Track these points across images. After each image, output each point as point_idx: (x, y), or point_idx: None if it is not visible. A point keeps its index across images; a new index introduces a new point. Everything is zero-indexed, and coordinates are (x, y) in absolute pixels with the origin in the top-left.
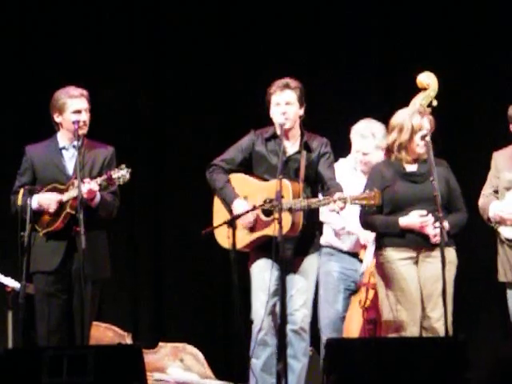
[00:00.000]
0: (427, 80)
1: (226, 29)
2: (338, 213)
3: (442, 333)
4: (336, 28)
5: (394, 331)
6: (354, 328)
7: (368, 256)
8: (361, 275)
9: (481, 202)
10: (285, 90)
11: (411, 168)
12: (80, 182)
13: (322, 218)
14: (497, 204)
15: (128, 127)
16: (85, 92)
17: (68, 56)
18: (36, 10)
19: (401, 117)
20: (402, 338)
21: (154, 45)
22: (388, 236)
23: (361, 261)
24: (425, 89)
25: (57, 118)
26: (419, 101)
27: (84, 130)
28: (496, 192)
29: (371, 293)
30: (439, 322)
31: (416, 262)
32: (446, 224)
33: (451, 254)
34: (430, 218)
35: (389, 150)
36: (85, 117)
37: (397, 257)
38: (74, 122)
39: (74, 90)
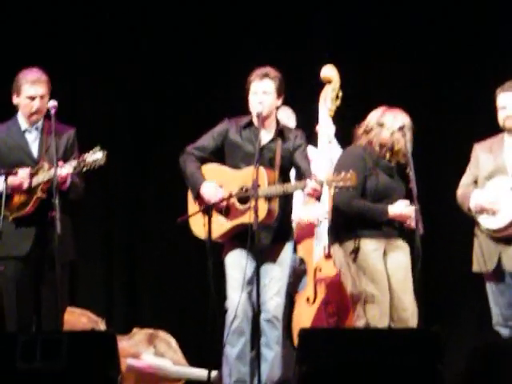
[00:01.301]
0: (331, 73)
1: (227, 28)
2: (316, 197)
3: (410, 323)
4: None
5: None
6: (305, 325)
7: (317, 251)
8: (297, 263)
9: (460, 192)
10: (264, 79)
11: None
12: (56, 166)
13: (296, 215)
14: (478, 194)
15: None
16: (43, 77)
17: (68, 56)
18: (36, 10)
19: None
20: (375, 328)
21: (154, 45)
22: (364, 226)
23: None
24: (329, 82)
25: (14, 100)
26: (329, 95)
27: (37, 117)
28: (475, 182)
29: (321, 287)
30: (407, 312)
31: (384, 253)
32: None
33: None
34: (412, 207)
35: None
36: (37, 104)
37: (372, 248)
38: (51, 108)
39: (31, 74)
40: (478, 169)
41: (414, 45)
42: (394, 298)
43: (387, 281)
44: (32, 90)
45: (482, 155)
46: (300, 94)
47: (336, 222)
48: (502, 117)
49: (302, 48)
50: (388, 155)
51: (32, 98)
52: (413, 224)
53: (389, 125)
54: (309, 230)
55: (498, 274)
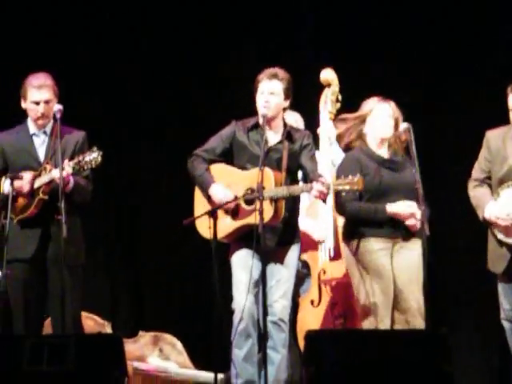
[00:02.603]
0: (331, 75)
1: (227, 29)
2: (323, 200)
3: (413, 325)
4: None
5: (371, 317)
6: (310, 328)
7: (321, 254)
8: (302, 267)
9: (471, 192)
10: (272, 80)
11: (383, 154)
12: (61, 170)
13: (300, 226)
14: (492, 206)
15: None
16: (48, 81)
17: (68, 56)
18: (36, 10)
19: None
20: (381, 330)
21: (155, 44)
22: (367, 226)
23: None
24: (329, 84)
25: (22, 104)
26: (330, 98)
27: (43, 121)
28: (488, 178)
29: (326, 290)
30: (409, 313)
31: (390, 254)
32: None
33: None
34: (416, 208)
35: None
36: (42, 109)
37: (377, 247)
38: (56, 112)
39: (35, 80)
40: (489, 162)
41: (415, 45)
42: (398, 299)
43: (393, 281)
44: (37, 95)
45: (494, 145)
46: (300, 97)
47: (346, 221)
48: None
49: (303, 50)
50: (382, 146)
51: (37, 103)
52: (414, 224)
53: (363, 114)
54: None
55: (509, 275)
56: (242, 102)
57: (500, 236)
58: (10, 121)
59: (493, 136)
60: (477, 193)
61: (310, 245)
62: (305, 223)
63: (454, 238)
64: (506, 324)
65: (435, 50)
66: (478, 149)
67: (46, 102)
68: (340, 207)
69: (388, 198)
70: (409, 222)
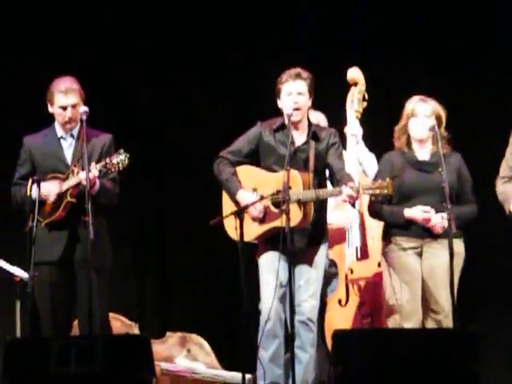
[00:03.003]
0: (357, 74)
1: (227, 26)
2: (351, 204)
3: (445, 325)
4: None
5: (396, 316)
6: (338, 327)
7: (348, 253)
8: (330, 266)
9: (500, 188)
10: (297, 80)
11: (423, 157)
12: (88, 172)
13: (329, 219)
14: None
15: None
16: (74, 85)
17: (67, 56)
18: (36, 10)
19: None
20: (409, 329)
21: (155, 44)
22: (396, 226)
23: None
24: (356, 83)
25: (49, 109)
26: (356, 96)
27: (71, 125)
28: None
29: (354, 289)
30: (442, 314)
31: (420, 253)
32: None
33: (457, 245)
34: (432, 214)
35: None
36: (69, 113)
37: (401, 246)
38: (82, 114)
39: (62, 84)
40: None
41: (415, 45)
42: (428, 300)
43: (421, 281)
44: (64, 99)
45: None
46: (327, 96)
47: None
48: None
49: (303, 50)
50: (423, 146)
51: (64, 108)
52: (434, 227)
53: (404, 114)
54: (339, 232)
55: None
56: (242, 103)
57: None
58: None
59: None
60: (505, 188)
61: (336, 243)
62: (331, 215)
63: (488, 236)
64: None
65: (435, 49)
66: (477, 149)
67: (73, 107)
68: (368, 209)
69: (415, 199)
70: (429, 226)
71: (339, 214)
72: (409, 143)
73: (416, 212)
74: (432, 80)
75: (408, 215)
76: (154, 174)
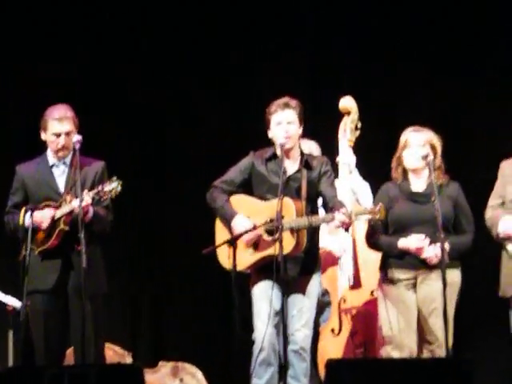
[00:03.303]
0: (350, 103)
1: (227, 26)
2: (345, 229)
3: (438, 355)
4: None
5: (388, 347)
6: (331, 357)
7: (341, 282)
8: (323, 295)
9: (488, 215)
10: (285, 110)
11: (417, 188)
12: (81, 200)
13: (321, 243)
14: (505, 221)
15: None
16: (69, 113)
17: (67, 56)
18: (35, 11)
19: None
20: (403, 359)
21: (155, 44)
22: (391, 257)
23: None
24: (349, 112)
25: (42, 136)
26: (349, 126)
27: (63, 153)
28: (503, 204)
29: (347, 319)
30: (435, 344)
31: (414, 284)
32: (446, 245)
33: (453, 275)
34: (426, 242)
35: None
36: (63, 141)
37: (397, 277)
38: (75, 143)
39: (56, 112)
40: (505, 189)
41: (415, 45)
42: (424, 330)
43: (416, 312)
44: (57, 126)
45: (509, 173)
46: (319, 126)
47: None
48: None
49: (321, 77)
50: (419, 176)
51: (58, 135)
52: (424, 255)
53: (399, 145)
54: (332, 261)
55: None
56: (242, 103)
57: None
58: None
59: (506, 164)
60: (492, 214)
61: (329, 262)
62: (325, 240)
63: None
64: None
65: (435, 49)
66: (478, 151)
67: (67, 134)
68: (366, 239)
69: (410, 231)
70: (423, 256)
71: (332, 240)
72: (405, 174)
73: (409, 241)
74: (432, 80)
75: (401, 246)
76: (153, 198)
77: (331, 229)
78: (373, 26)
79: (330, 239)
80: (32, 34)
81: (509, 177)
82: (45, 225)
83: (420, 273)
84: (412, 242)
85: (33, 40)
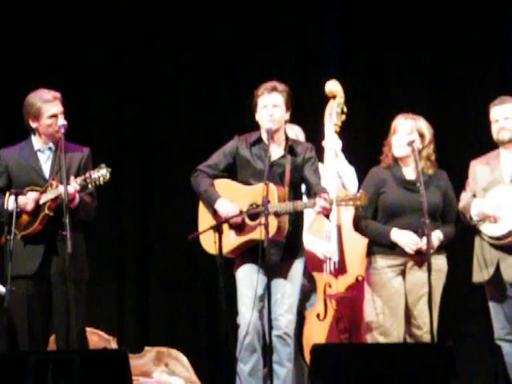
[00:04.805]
0: (335, 87)
1: (229, 36)
2: (326, 215)
3: (427, 340)
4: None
5: (374, 333)
6: (316, 342)
7: (326, 268)
8: (308, 281)
9: (461, 205)
10: (272, 93)
11: (409, 175)
12: (66, 184)
13: (305, 244)
14: (479, 201)
15: (114, 128)
16: (58, 94)
17: (54, 56)
18: (20, 11)
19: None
20: (388, 344)
21: (141, 46)
22: (378, 244)
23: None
24: (334, 96)
25: (32, 124)
26: (335, 110)
27: (59, 134)
28: (474, 196)
29: (331, 304)
30: (423, 329)
31: (403, 271)
32: (440, 234)
33: (440, 261)
34: (421, 245)
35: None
36: (63, 121)
37: (384, 264)
38: (60, 127)
39: (47, 94)
40: (476, 183)
41: (422, 56)
42: (410, 315)
43: (404, 298)
44: (54, 108)
45: (479, 168)
46: (305, 110)
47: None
48: (495, 130)
49: (307, 63)
50: (407, 164)
51: (55, 116)
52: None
53: (390, 130)
54: (316, 259)
55: (498, 285)
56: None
57: (488, 232)
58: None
59: (475, 162)
60: (464, 203)
61: (314, 262)
62: (307, 240)
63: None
64: (503, 345)
65: (424, 34)
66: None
67: (62, 114)
68: (354, 223)
69: (401, 218)
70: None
71: (313, 240)
72: (396, 160)
73: (404, 240)
74: (439, 81)
75: (394, 239)
76: (139, 185)
77: (313, 228)
78: (359, 9)
79: (312, 239)
80: (30, 34)
81: (478, 171)
82: (29, 206)
83: (409, 259)
84: (404, 241)
85: (30, 40)
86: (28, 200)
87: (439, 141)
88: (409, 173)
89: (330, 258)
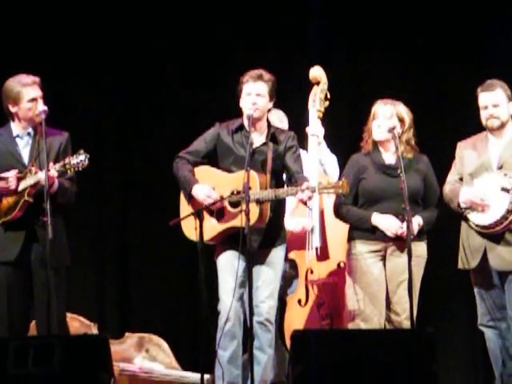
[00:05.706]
0: (320, 73)
1: (216, 27)
2: (305, 204)
3: (406, 327)
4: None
5: (356, 319)
6: (297, 327)
7: (308, 253)
8: (287, 266)
9: (447, 189)
10: (257, 81)
11: (389, 160)
12: (46, 171)
13: (286, 225)
14: (467, 190)
15: (94, 115)
16: (37, 79)
17: (39, 49)
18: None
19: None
20: (368, 330)
21: (124, 31)
22: (359, 229)
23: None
24: (318, 82)
25: (12, 108)
26: (318, 96)
27: (39, 118)
28: (461, 179)
29: (313, 290)
30: (403, 315)
31: (383, 256)
32: (420, 220)
33: (421, 248)
34: (404, 229)
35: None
36: (43, 106)
37: (364, 250)
38: (41, 112)
39: (26, 78)
40: (462, 166)
41: (403, 43)
42: (390, 301)
43: (385, 284)
44: (33, 92)
45: (466, 152)
46: (289, 96)
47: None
48: (484, 116)
49: (291, 49)
50: (386, 149)
51: (34, 100)
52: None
53: (370, 116)
54: (299, 233)
55: (484, 272)
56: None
57: (475, 221)
58: None
59: (462, 144)
60: (451, 187)
61: (296, 244)
62: (289, 222)
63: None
64: (485, 330)
65: (408, 21)
66: (447, 124)
67: (41, 98)
68: (334, 210)
69: (382, 203)
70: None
71: (295, 221)
72: (376, 146)
73: (385, 225)
74: (431, 80)
75: (375, 223)
76: (119, 171)
77: (293, 210)
78: (361, 25)
79: (293, 221)
80: (25, 33)
81: (465, 155)
82: (13, 185)
83: (389, 245)
84: (385, 225)
85: (27, 39)
86: (9, 179)
87: (420, 126)
88: (388, 158)
89: (311, 230)
